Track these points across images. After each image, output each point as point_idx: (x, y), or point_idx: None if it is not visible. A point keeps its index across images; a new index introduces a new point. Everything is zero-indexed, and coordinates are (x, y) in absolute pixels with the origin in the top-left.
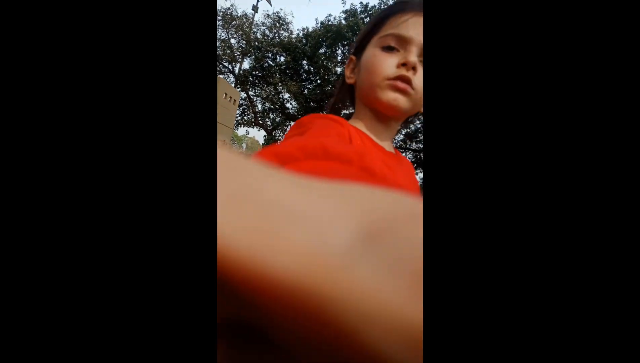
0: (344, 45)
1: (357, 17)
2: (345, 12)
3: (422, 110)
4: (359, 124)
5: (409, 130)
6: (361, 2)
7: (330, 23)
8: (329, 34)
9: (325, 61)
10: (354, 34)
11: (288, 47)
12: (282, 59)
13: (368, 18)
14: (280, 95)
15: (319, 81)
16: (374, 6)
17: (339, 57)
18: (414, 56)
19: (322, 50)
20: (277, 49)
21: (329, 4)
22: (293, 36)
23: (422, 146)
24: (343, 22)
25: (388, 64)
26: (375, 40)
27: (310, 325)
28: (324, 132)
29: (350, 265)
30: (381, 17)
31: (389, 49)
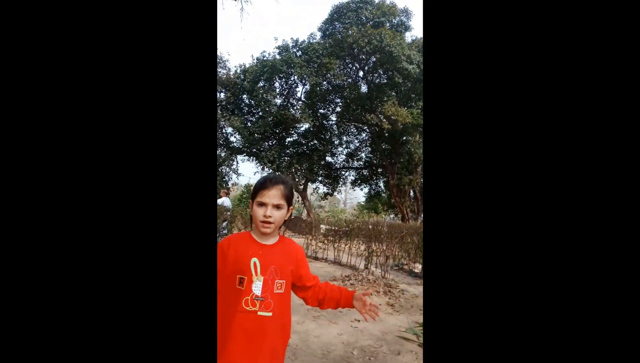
0: (280, 78)
1: (289, 51)
2: (278, 47)
3: (286, 219)
4: (254, 233)
5: (349, 150)
6: (292, 38)
7: (265, 58)
8: (265, 69)
9: (264, 94)
10: (289, 66)
11: (227, 83)
12: (222, 95)
13: (300, 52)
14: (224, 131)
15: (260, 113)
16: (304, 41)
17: (277, 89)
18: (269, 210)
19: (260, 84)
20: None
21: (263, 40)
22: (231, 73)
23: (362, 164)
24: (277, 56)
25: (260, 214)
26: (255, 200)
27: None
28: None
29: None
30: (256, 189)
31: (260, 204)
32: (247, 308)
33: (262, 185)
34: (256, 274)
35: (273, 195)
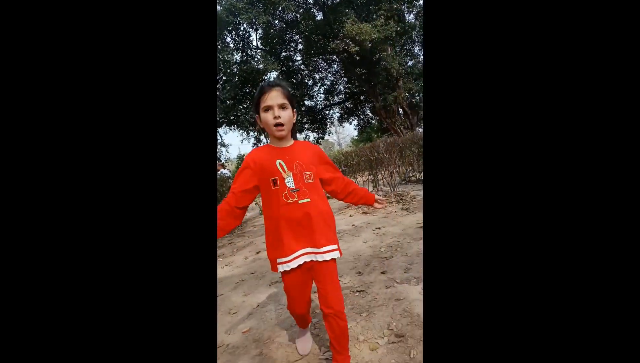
0: (229, 32)
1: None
2: None
3: (294, 121)
4: (271, 141)
5: (326, 87)
6: None
7: None
8: None
9: (219, 55)
10: (235, 16)
11: None
12: None
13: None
14: None
15: (223, 77)
16: None
17: (231, 45)
18: (277, 111)
19: None
20: None
21: None
22: None
23: (343, 97)
24: (219, 7)
25: (270, 119)
26: (261, 107)
27: None
28: (240, 172)
29: None
30: (258, 98)
31: (267, 109)
32: (288, 200)
33: (262, 90)
34: (284, 171)
35: (275, 96)
